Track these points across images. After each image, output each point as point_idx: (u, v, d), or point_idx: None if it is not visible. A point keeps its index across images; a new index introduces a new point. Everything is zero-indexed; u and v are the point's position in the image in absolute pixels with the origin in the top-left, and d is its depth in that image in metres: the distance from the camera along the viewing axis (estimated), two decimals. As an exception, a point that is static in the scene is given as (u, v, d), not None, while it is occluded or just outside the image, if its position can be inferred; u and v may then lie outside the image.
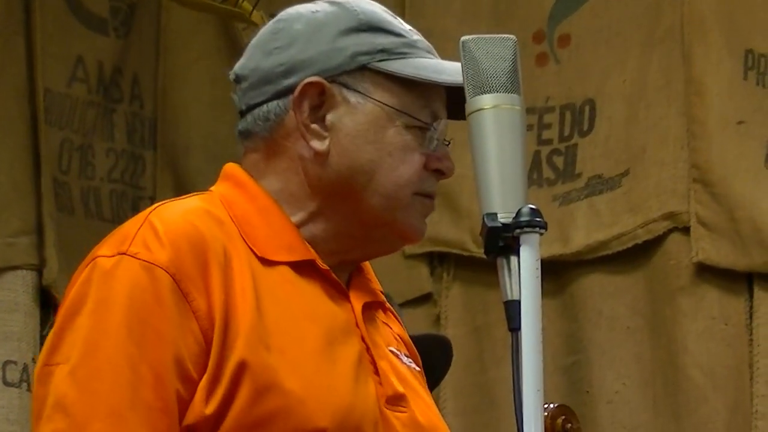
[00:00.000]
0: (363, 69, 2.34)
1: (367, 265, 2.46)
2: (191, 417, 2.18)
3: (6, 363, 5.46)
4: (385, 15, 2.41)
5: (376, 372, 2.32)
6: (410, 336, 4.17)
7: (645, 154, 5.39)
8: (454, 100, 2.36)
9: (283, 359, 2.21)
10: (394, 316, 2.52)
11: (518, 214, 2.12)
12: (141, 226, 2.25)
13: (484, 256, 2.16)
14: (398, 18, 2.45)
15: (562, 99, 5.59)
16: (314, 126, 2.32)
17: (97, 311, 2.19)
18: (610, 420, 5.37)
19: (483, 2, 5.72)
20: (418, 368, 2.47)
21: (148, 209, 2.30)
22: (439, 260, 5.68)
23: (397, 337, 2.48)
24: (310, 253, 2.32)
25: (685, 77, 5.35)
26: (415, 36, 2.41)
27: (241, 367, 2.18)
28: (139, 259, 2.20)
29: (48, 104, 5.72)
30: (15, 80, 5.66)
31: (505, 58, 2.19)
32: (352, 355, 2.30)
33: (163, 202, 2.34)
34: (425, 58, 2.39)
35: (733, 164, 5.27)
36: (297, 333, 2.26)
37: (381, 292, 2.48)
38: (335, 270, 2.36)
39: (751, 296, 5.26)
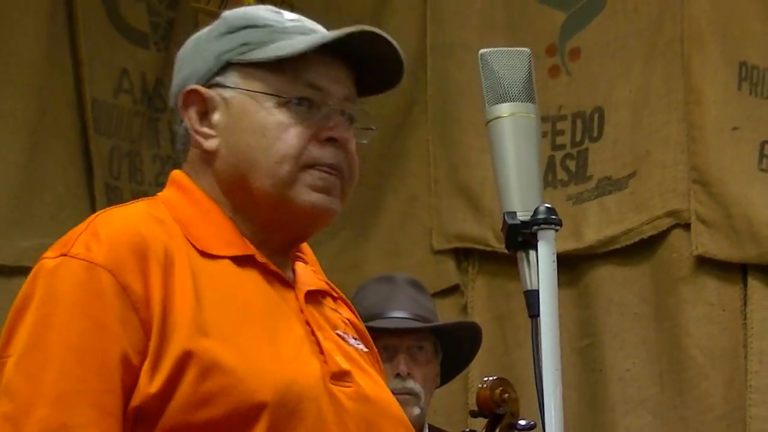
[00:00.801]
0: (229, 65, 2.35)
1: (311, 257, 2.48)
2: (137, 398, 2.17)
3: None
4: (256, 12, 2.41)
5: (321, 352, 2.30)
6: (444, 324, 4.38)
7: (649, 157, 5.48)
8: (364, 77, 2.38)
9: (224, 344, 2.20)
10: (346, 304, 2.51)
11: (535, 212, 2.21)
12: (83, 230, 2.25)
13: (506, 251, 2.25)
14: (281, 12, 2.42)
15: (573, 108, 5.66)
16: (204, 129, 2.34)
17: (42, 307, 2.19)
18: (621, 395, 5.45)
19: (498, 17, 5.76)
20: (366, 349, 2.45)
21: (93, 215, 2.31)
22: (464, 255, 5.76)
23: (346, 321, 2.47)
24: (249, 249, 2.33)
25: (684, 87, 5.43)
26: (289, 23, 2.38)
27: (185, 354, 2.18)
28: (80, 258, 2.20)
29: (96, 114, 5.72)
30: (64, 92, 5.64)
31: (520, 69, 2.29)
32: (295, 338, 2.29)
33: (107, 209, 2.35)
34: (288, 39, 2.35)
35: (728, 166, 5.34)
36: (238, 319, 2.25)
37: (326, 282, 2.48)
38: (274, 261, 2.35)
39: (746, 285, 5.35)
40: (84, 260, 2.19)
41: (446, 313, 5.42)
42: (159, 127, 6.00)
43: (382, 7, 5.92)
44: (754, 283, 5.34)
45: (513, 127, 2.24)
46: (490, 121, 2.25)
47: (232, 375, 2.17)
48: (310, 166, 2.31)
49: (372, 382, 2.36)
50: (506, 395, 3.84)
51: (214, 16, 5.76)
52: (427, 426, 4.23)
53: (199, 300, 2.22)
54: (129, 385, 2.16)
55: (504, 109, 2.24)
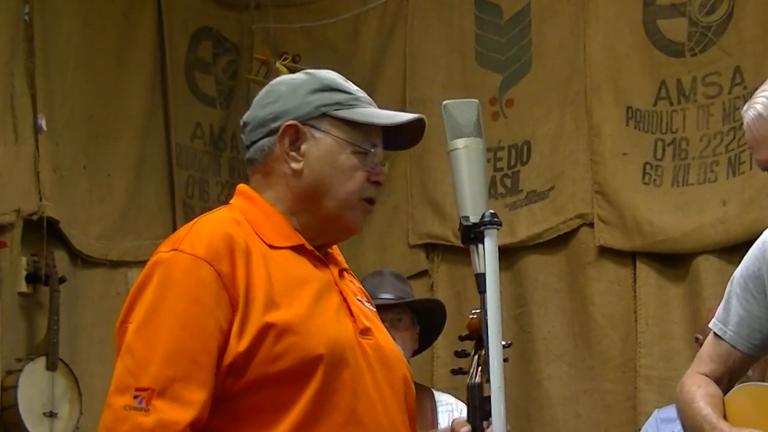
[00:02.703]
0: (324, 115, 2.34)
1: (335, 248, 2.45)
2: (229, 356, 2.16)
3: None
4: (339, 80, 2.40)
5: (351, 314, 2.31)
6: (418, 299, 4.20)
7: (564, 175, 5.45)
8: (388, 136, 2.39)
9: (289, 312, 2.19)
10: (355, 279, 2.50)
11: (483, 216, 2.18)
12: (188, 232, 2.25)
13: (462, 245, 2.22)
14: (349, 81, 2.41)
15: (509, 141, 5.61)
16: (293, 153, 2.33)
17: (157, 288, 2.18)
18: (545, 350, 5.42)
19: (456, 79, 5.73)
20: (373, 309, 2.44)
21: (194, 220, 2.30)
22: (432, 249, 5.71)
23: (360, 289, 2.47)
24: (301, 240, 2.33)
25: (588, 124, 5.41)
26: (360, 93, 2.39)
27: (265, 325, 2.16)
28: (187, 253, 2.19)
29: (178, 153, 5.88)
30: (157, 139, 5.80)
31: (472, 114, 2.25)
32: (335, 304, 2.29)
33: (201, 216, 2.34)
34: (366, 107, 2.37)
35: (621, 181, 5.31)
36: (297, 292, 2.24)
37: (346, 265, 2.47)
38: (317, 250, 2.36)
39: (635, 267, 5.28)
40: (190, 254, 2.19)
41: (419, 290, 5.41)
42: (221, 162, 6.09)
43: (375, 73, 5.87)
44: (641, 266, 5.28)
45: (467, 155, 2.22)
46: (450, 151, 2.24)
47: (298, 335, 2.18)
48: (363, 199, 2.36)
49: (382, 334, 2.38)
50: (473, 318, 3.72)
51: (262, 85, 5.85)
52: None
53: (270, 280, 2.22)
54: (221, 347, 2.16)
55: (460, 142, 2.22)
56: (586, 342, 5.39)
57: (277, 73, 5.56)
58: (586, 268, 5.40)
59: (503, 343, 3.33)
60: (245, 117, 2.41)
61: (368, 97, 2.41)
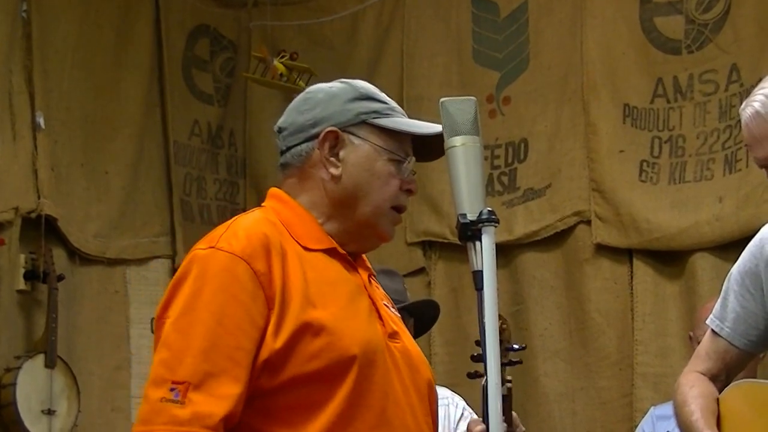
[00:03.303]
0: (362, 123, 2.36)
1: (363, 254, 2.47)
2: (265, 352, 2.17)
3: (153, 319, 5.46)
4: (375, 89, 2.43)
5: (380, 318, 2.33)
6: (412, 302, 4.22)
7: (560, 173, 5.46)
8: (417, 147, 2.40)
9: (324, 312, 2.21)
10: (380, 285, 2.50)
11: (480, 214, 2.15)
12: (225, 231, 2.26)
13: (459, 242, 2.19)
14: (383, 93, 2.44)
15: (506, 139, 5.61)
16: (332, 159, 2.34)
17: (195, 283, 2.18)
18: (541, 347, 5.41)
19: (453, 77, 5.74)
20: (398, 314, 2.46)
21: (230, 220, 2.32)
22: (429, 246, 5.72)
23: (385, 296, 2.48)
24: (333, 243, 2.34)
25: (585, 122, 5.41)
26: (393, 104, 2.42)
27: (303, 324, 2.18)
28: (224, 250, 2.21)
29: (176, 151, 5.89)
30: (155, 137, 5.81)
31: (469, 112, 2.21)
32: (365, 307, 2.31)
33: (240, 215, 2.35)
34: (401, 117, 2.40)
35: (617, 179, 5.31)
36: (331, 294, 2.26)
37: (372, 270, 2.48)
38: (348, 254, 2.37)
39: (632, 264, 5.28)
40: (227, 252, 2.20)
41: (416, 287, 5.46)
42: (218, 159, 6.10)
43: (373, 71, 5.85)
44: (637, 263, 5.29)
45: (464, 153, 2.19)
46: (448, 149, 2.20)
47: (333, 335, 2.19)
48: (395, 207, 2.38)
49: (408, 338, 2.40)
50: (504, 326, 3.57)
51: (259, 82, 5.71)
52: None
53: (306, 280, 2.23)
54: (257, 344, 2.17)
55: (457, 140, 2.19)
56: (583, 339, 5.38)
57: (275, 71, 5.63)
58: (583, 266, 5.39)
59: (516, 345, 3.28)
60: (280, 122, 2.43)
61: (400, 108, 2.44)
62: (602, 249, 5.36)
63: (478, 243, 2.16)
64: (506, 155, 5.64)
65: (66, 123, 5.41)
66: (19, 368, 4.96)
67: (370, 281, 2.41)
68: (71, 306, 5.30)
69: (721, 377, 2.93)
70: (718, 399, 2.87)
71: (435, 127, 2.36)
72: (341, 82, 2.44)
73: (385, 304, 2.42)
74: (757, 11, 5.17)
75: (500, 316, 3.72)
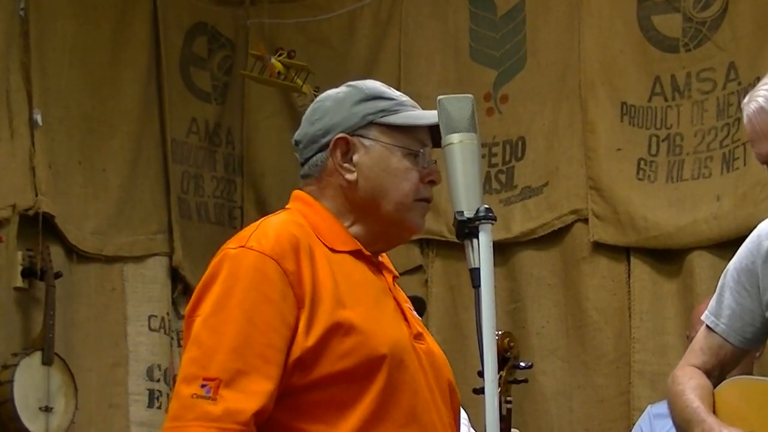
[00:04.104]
0: (371, 124, 2.36)
1: (385, 256, 2.48)
2: (297, 351, 2.18)
3: (150, 316, 5.55)
4: (382, 87, 2.43)
5: (406, 319, 2.35)
6: None
7: (558, 171, 5.46)
8: (434, 134, 2.37)
9: (354, 312, 2.23)
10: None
11: (477, 211, 2.16)
12: (255, 230, 2.27)
13: (456, 240, 2.20)
14: (391, 88, 2.44)
15: (503, 137, 5.61)
16: (345, 165, 2.35)
17: (225, 282, 2.20)
18: (539, 345, 5.41)
19: (450, 75, 5.74)
20: (419, 317, 2.47)
21: (259, 221, 2.33)
22: (426, 244, 5.69)
23: (406, 298, 2.48)
24: (358, 245, 2.35)
25: (582, 120, 5.42)
26: (403, 98, 2.42)
27: (334, 324, 2.20)
28: (254, 250, 2.22)
29: (173, 149, 5.88)
30: (153, 135, 5.80)
31: (466, 110, 2.21)
32: (391, 309, 2.33)
33: (267, 216, 2.36)
34: (410, 110, 2.39)
35: (615, 177, 5.31)
36: (359, 295, 2.27)
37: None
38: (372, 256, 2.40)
39: (629, 262, 5.29)
40: (257, 251, 2.22)
41: (413, 285, 5.45)
42: (216, 157, 6.11)
43: (370, 69, 5.82)
44: (635, 261, 5.30)
45: (461, 150, 2.19)
46: (445, 146, 2.21)
47: (363, 335, 2.21)
48: (419, 199, 2.38)
49: (431, 340, 2.41)
50: (512, 344, 3.83)
51: (257, 80, 5.70)
52: None
53: (335, 280, 2.25)
54: (288, 342, 2.18)
55: (455, 137, 2.19)
56: (580, 337, 5.38)
57: (273, 69, 5.65)
58: (581, 264, 5.40)
59: (522, 364, 3.22)
60: (296, 135, 2.44)
61: (411, 101, 2.43)
62: (600, 247, 5.36)
63: (475, 240, 2.16)
64: (504, 153, 5.64)
65: (64, 121, 5.42)
66: (16, 365, 4.97)
67: (394, 283, 2.43)
68: (69, 303, 5.31)
69: (715, 373, 2.92)
70: (713, 393, 2.87)
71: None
72: (348, 85, 2.45)
73: (408, 306, 2.43)
74: (754, 9, 5.18)
75: (507, 333, 3.88)
